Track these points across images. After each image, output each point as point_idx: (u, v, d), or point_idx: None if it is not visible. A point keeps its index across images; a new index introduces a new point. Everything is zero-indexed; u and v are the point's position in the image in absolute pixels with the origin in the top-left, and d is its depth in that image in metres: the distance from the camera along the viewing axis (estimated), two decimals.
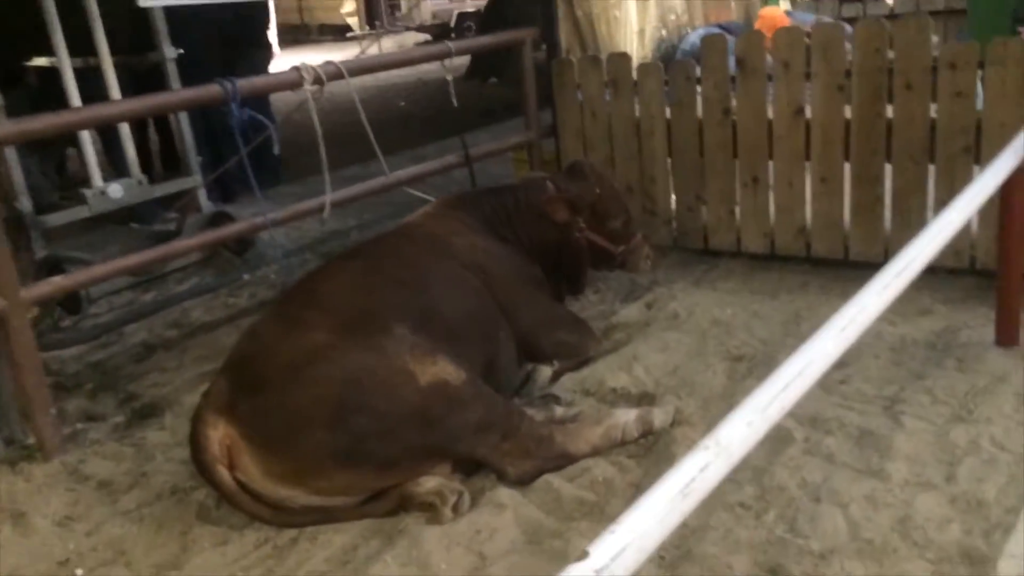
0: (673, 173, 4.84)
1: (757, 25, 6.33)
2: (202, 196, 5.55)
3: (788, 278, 4.43)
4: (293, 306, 3.04)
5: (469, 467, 2.94)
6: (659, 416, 3.08)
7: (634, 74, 4.77)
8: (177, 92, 4.72)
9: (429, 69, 13.68)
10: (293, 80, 3.76)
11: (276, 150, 8.03)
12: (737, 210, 4.66)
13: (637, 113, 4.86)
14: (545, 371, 3.61)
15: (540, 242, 3.86)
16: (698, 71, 4.58)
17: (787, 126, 4.31)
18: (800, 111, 4.26)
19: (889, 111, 4.02)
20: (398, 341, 2.84)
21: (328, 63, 3.98)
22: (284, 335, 2.85)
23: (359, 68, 4.16)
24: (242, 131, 3.81)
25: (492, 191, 3.98)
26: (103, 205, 4.83)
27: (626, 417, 3.05)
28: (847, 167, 4.23)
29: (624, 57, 4.84)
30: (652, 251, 4.17)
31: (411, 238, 3.54)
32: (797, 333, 3.77)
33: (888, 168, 4.11)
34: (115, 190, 4.86)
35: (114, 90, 5.00)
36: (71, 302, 4.63)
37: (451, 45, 4.35)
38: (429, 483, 2.79)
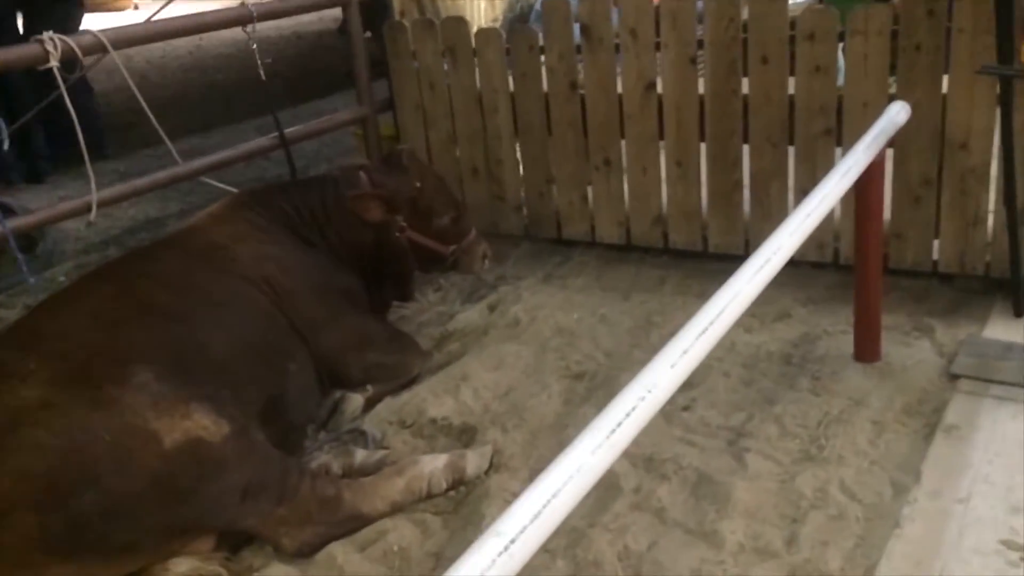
0: (521, 154, 4.38)
1: None
2: None
3: (644, 273, 4.06)
4: (7, 350, 2.44)
5: (240, 538, 2.45)
6: (472, 462, 2.65)
7: (473, 41, 4.26)
8: None
9: (307, 21, 12.86)
10: (36, 55, 3.09)
11: (96, 117, 7.33)
12: (590, 196, 4.24)
13: (479, 85, 4.36)
14: (355, 400, 3.12)
15: (354, 245, 3.34)
16: (541, 39, 4.11)
17: (638, 103, 3.90)
18: (651, 86, 3.85)
19: (745, 87, 3.64)
20: (137, 392, 2.30)
21: (87, 32, 3.32)
22: None
23: (131, 38, 3.50)
24: None
25: (294, 185, 3.42)
26: None
27: (433, 466, 2.61)
28: (703, 149, 3.85)
29: (460, 22, 4.32)
30: (489, 249, 3.70)
31: (183, 248, 2.97)
32: (646, 343, 3.40)
33: (746, 150, 3.75)
34: None
35: None
36: None
37: (252, 8, 3.72)
38: (180, 566, 2.30)
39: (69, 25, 6.39)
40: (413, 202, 3.38)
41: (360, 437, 2.98)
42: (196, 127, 7.63)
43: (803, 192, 3.59)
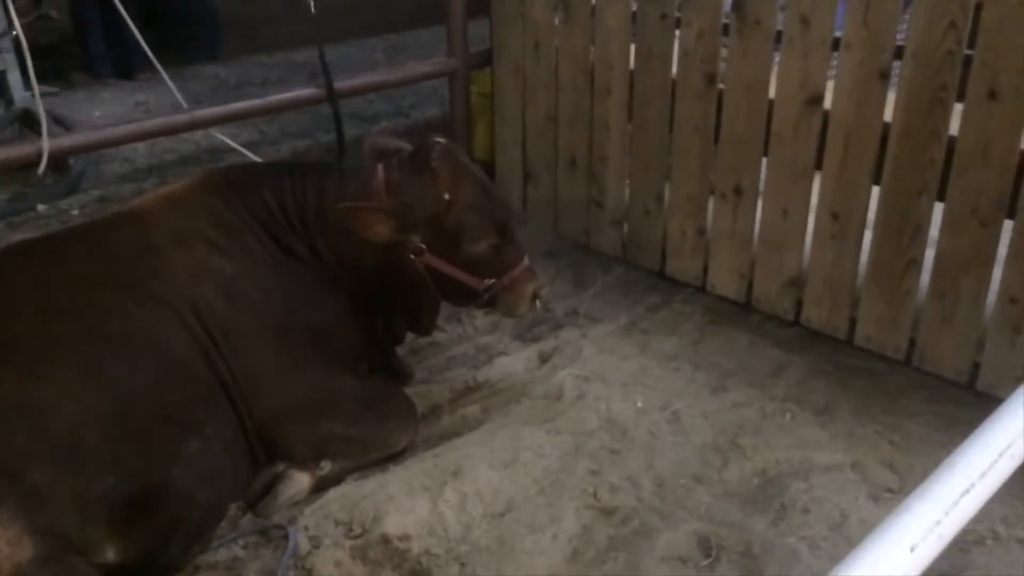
0: (631, 153, 3.39)
1: None
2: (15, 81, 4.30)
3: (758, 350, 3.03)
4: None
5: None
6: None
7: None
8: None
9: None
10: None
11: (212, 13, 6.85)
12: (708, 228, 3.23)
13: (592, 55, 3.38)
14: (297, 482, 2.38)
15: (352, 261, 2.54)
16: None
17: (794, 119, 2.81)
18: (816, 100, 2.75)
19: (954, 126, 2.49)
20: None
21: None
22: None
23: None
24: None
25: (288, 171, 2.61)
26: None
27: None
28: (874, 202, 2.74)
29: None
30: (544, 288, 2.76)
31: (101, 244, 2.26)
32: (719, 479, 2.44)
33: (936, 218, 2.62)
34: None
35: None
36: None
37: None
38: None
39: None
40: (437, 219, 2.50)
41: (282, 540, 2.24)
42: (314, 38, 6.99)
43: (1010, 300, 2.45)
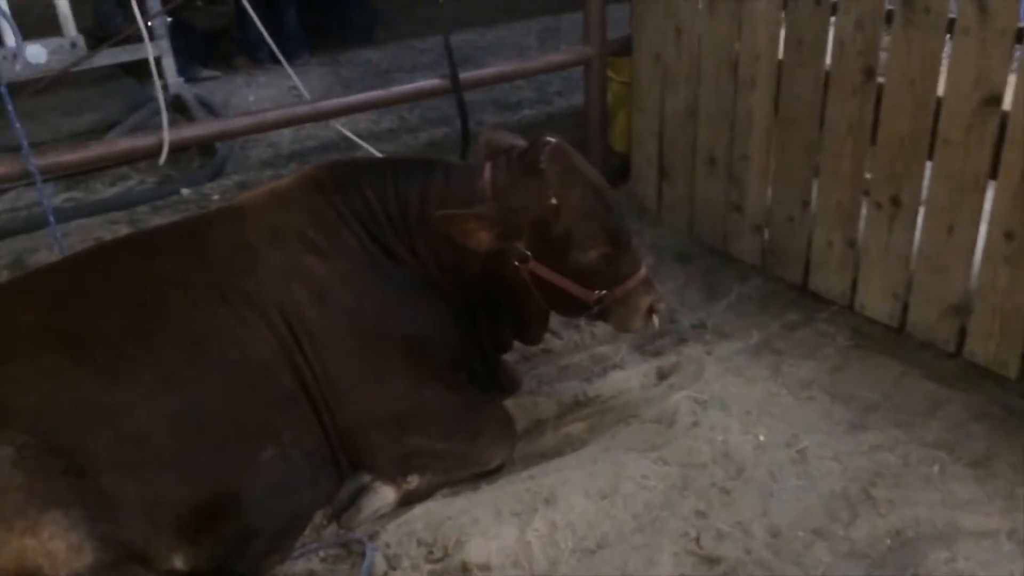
0: (776, 153, 3.09)
1: None
2: (168, 66, 4.46)
3: (909, 383, 2.69)
4: None
5: None
6: None
7: None
8: None
9: None
10: None
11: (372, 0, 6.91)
12: (860, 240, 2.88)
13: (737, 46, 3.09)
14: (382, 495, 2.29)
15: (454, 265, 2.42)
16: None
17: (966, 121, 2.44)
18: (994, 101, 2.37)
19: None
20: None
21: None
22: None
23: None
24: None
25: (393, 167, 2.50)
26: (17, 71, 3.86)
27: None
28: None
29: None
30: (661, 302, 2.52)
31: (196, 241, 2.24)
32: (843, 537, 2.15)
33: None
34: (35, 53, 3.88)
35: None
36: None
37: None
38: None
39: None
40: (543, 225, 2.32)
41: (360, 556, 2.16)
42: (472, 21, 6.95)
43: None
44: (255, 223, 2.29)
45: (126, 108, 4.69)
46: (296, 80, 3.08)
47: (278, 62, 6.09)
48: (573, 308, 2.50)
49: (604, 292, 2.40)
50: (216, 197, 4.06)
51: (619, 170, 3.93)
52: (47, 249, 3.50)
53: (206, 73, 5.82)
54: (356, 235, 2.35)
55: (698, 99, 3.31)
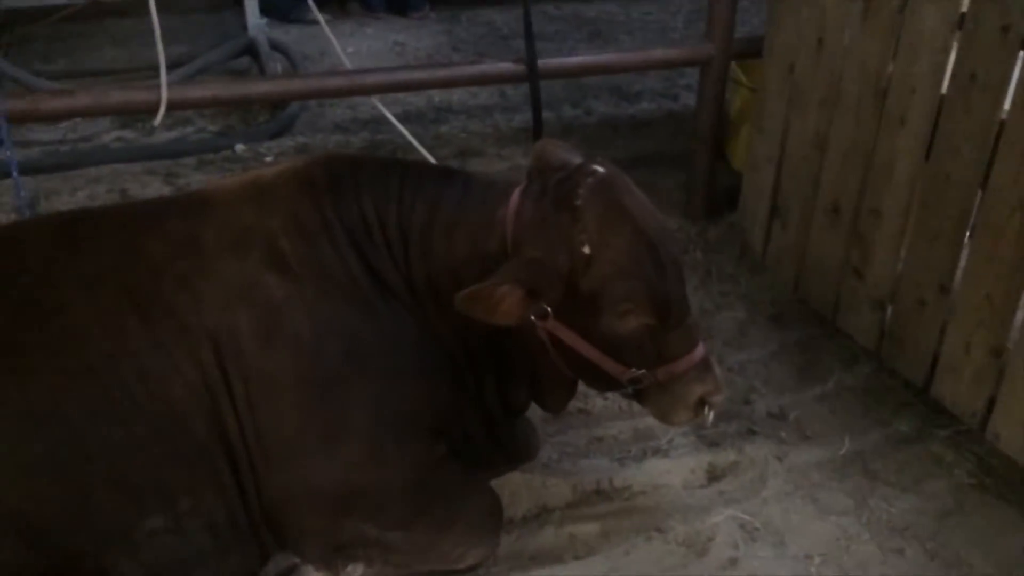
0: (917, 215, 2.43)
1: None
2: (251, 6, 4.12)
3: None
4: None
5: None
6: None
7: None
8: None
9: None
10: None
11: None
12: (1011, 348, 2.21)
13: (891, 69, 2.44)
14: None
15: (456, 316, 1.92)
16: None
17: None
18: None
19: None
20: None
21: None
22: None
23: None
24: None
25: (403, 173, 2.02)
26: None
27: None
28: None
29: None
30: (718, 394, 1.96)
31: (135, 232, 1.82)
32: None
33: None
34: None
35: None
36: None
37: None
38: None
39: None
40: (571, 278, 1.81)
41: None
42: None
43: None
44: (218, 220, 1.86)
45: (211, 45, 4.42)
46: (335, 43, 2.63)
47: (393, 11, 5.80)
48: (601, 382, 1.99)
49: (643, 372, 1.87)
50: (270, 159, 3.71)
51: (730, 195, 3.33)
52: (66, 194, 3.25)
53: (312, 16, 5.49)
54: (341, 253, 1.89)
55: (831, 129, 2.67)
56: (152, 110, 2.31)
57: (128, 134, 3.84)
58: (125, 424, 1.63)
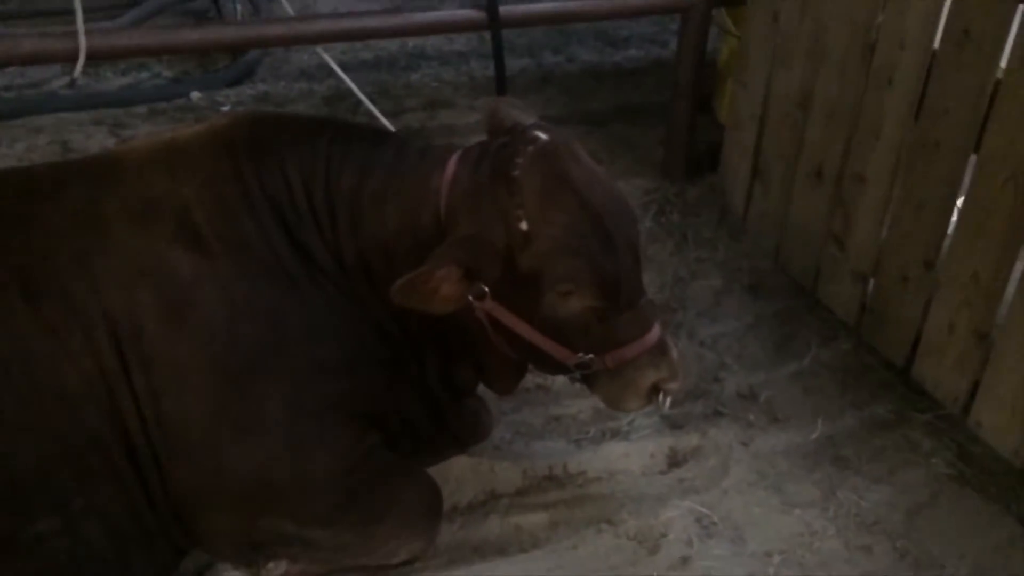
0: (902, 183, 2.26)
1: None
2: None
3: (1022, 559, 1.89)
4: None
5: None
6: None
7: None
8: None
9: None
10: None
11: None
12: (998, 331, 2.06)
13: (879, 22, 2.24)
14: None
15: (390, 279, 1.76)
16: None
17: None
18: None
19: None
20: None
21: None
22: None
23: None
24: None
25: (332, 136, 1.84)
26: None
27: None
28: None
29: None
30: (675, 381, 1.81)
31: (27, 201, 1.66)
32: None
33: None
34: None
35: None
36: None
37: None
38: None
39: None
40: (508, 255, 1.65)
41: None
42: None
43: None
44: (124, 188, 1.70)
45: None
46: None
47: None
48: (547, 366, 1.85)
49: (590, 356, 1.72)
50: (227, 108, 3.52)
51: (713, 153, 3.13)
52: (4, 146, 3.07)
53: None
54: (262, 226, 1.73)
55: (815, 86, 2.47)
56: (71, 59, 2.13)
57: (80, 80, 3.64)
58: (6, 415, 1.49)
